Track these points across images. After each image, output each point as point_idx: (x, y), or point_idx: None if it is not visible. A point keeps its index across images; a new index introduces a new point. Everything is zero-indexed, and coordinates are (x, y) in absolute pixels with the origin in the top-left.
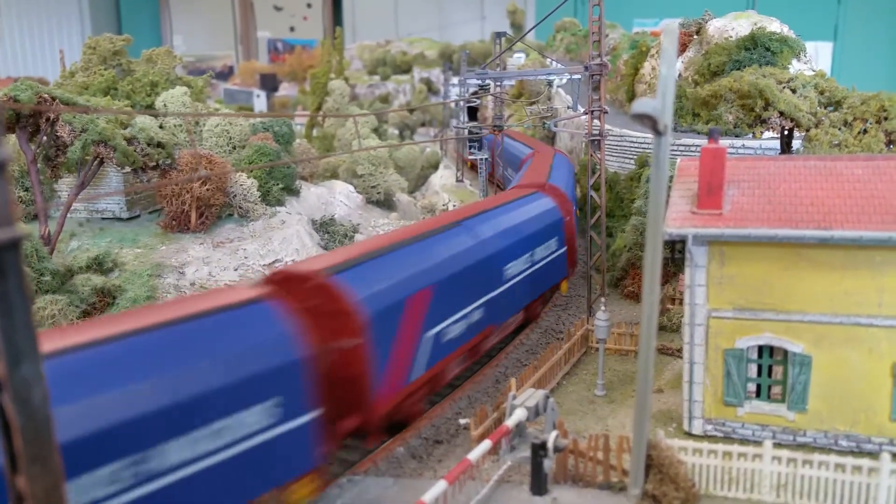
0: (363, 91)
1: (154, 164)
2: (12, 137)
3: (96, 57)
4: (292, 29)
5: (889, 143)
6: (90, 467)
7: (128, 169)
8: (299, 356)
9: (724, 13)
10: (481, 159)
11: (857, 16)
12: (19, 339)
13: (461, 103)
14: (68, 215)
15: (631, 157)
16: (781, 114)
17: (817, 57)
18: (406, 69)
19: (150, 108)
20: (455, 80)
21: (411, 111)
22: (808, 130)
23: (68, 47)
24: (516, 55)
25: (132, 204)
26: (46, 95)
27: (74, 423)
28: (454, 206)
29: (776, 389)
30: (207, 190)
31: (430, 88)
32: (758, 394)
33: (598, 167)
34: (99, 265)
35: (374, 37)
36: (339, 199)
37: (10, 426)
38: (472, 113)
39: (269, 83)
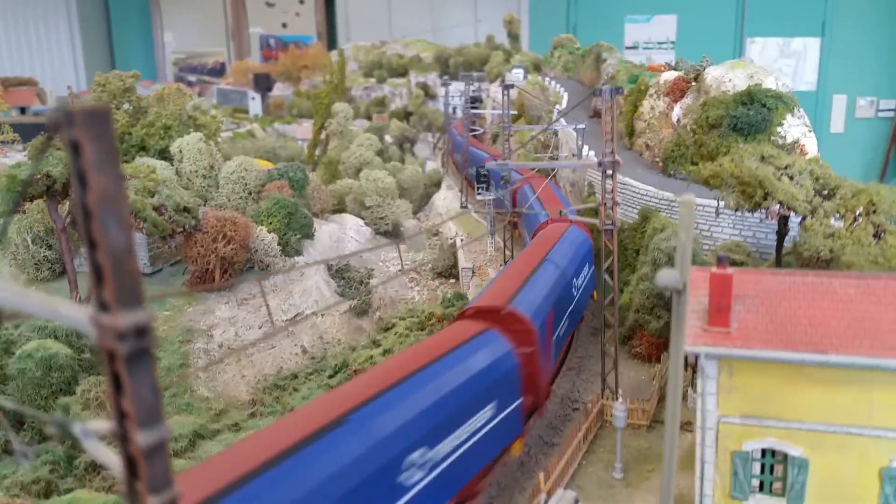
0: (359, 93)
1: (182, 229)
2: (41, 204)
3: (106, 95)
4: (284, 25)
5: (876, 234)
6: (447, 434)
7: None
8: (516, 363)
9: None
10: (489, 200)
11: (845, 11)
12: None
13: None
14: None
15: (634, 206)
16: (780, 203)
17: (805, 53)
18: (402, 72)
19: (164, 152)
20: (451, 86)
21: (408, 116)
22: (804, 218)
23: (56, 43)
24: (515, 70)
25: (155, 259)
26: None
27: (442, 408)
28: (462, 239)
29: (777, 485)
30: (231, 249)
31: (427, 93)
32: (761, 488)
33: (611, 253)
34: None
35: (367, 35)
36: (350, 234)
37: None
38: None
39: (263, 83)
